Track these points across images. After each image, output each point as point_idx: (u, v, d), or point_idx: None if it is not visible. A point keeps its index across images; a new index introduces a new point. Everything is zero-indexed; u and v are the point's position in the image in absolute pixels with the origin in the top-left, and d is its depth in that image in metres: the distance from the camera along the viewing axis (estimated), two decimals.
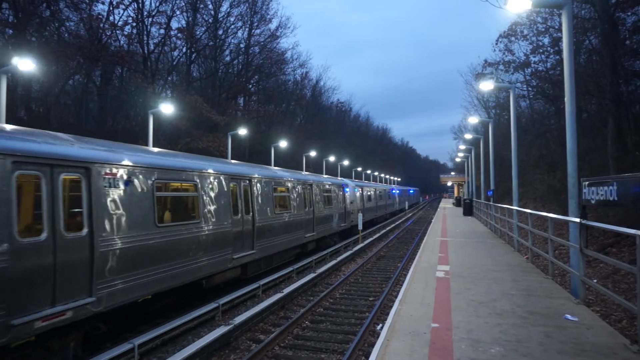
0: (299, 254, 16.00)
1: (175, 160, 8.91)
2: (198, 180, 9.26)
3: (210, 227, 9.40)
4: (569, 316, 6.18)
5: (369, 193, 30.66)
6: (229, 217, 10.24)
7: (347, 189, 22.91)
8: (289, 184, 14.72)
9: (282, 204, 14.26)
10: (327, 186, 19.30)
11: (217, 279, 9.90)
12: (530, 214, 11.39)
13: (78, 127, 22.89)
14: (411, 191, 74.71)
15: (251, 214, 11.58)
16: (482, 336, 5.46)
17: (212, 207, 9.58)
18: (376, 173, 62.35)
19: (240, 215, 10.98)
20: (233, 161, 14.42)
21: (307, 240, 16.09)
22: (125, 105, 27.25)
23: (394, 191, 48.02)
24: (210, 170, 9.89)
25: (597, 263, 11.94)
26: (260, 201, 12.18)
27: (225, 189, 10.33)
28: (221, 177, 10.21)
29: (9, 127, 6.16)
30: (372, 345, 6.92)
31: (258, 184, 12.14)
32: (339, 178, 26.43)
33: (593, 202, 6.51)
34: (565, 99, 8.27)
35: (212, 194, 9.72)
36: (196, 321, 8.31)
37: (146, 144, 15.54)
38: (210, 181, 9.76)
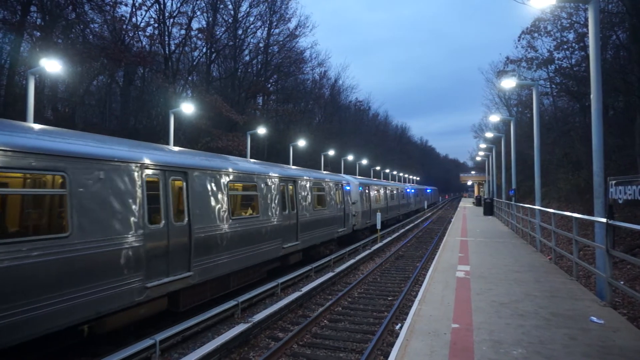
0: (274, 270, 12.46)
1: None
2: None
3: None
4: (594, 318, 6.03)
5: (377, 192, 27.44)
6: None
7: (348, 187, 19.97)
8: (257, 181, 11.20)
9: (244, 205, 11.35)
10: (319, 183, 16.09)
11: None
12: (554, 213, 11.13)
13: (102, 126, 23.43)
14: (428, 190, 69.68)
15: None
16: (504, 337, 5.36)
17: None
18: (395, 172, 61.89)
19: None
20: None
21: (287, 252, 12.67)
22: (147, 105, 27.73)
23: (408, 190, 43.12)
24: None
25: (624, 264, 11.60)
26: (203, 202, 8.90)
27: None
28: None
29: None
30: (391, 345, 6.89)
31: (199, 179, 8.85)
32: (340, 174, 22.95)
33: (620, 201, 6.32)
34: (592, 96, 8.05)
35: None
36: (216, 318, 8.40)
37: (167, 143, 15.79)
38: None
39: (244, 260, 10.12)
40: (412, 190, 46.61)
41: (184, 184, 8.40)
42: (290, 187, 13.42)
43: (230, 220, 9.65)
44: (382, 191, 28.89)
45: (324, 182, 16.74)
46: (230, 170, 10.17)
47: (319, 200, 16.23)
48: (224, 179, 9.72)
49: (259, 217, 11.03)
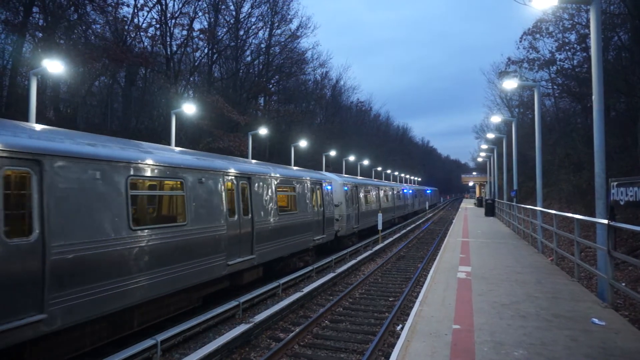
0: (214, 295, 9.65)
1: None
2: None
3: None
4: (596, 320, 6.02)
5: (367, 193, 24.47)
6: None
7: (330, 187, 17.17)
8: (183, 176, 8.32)
9: (161, 210, 8.94)
10: (288, 182, 13.28)
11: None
12: (555, 214, 11.12)
13: (103, 127, 23.47)
14: (428, 191, 66.52)
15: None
16: (505, 339, 5.36)
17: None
18: (396, 173, 61.86)
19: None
20: None
21: (237, 269, 9.86)
22: (149, 105, 27.78)
23: (405, 191, 39.92)
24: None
25: (626, 266, 11.57)
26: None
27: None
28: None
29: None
30: (392, 345, 6.88)
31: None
32: (320, 172, 19.51)
33: (622, 202, 6.32)
34: (593, 97, 8.04)
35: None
36: (217, 319, 8.41)
37: (169, 144, 15.80)
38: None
39: (160, 286, 7.32)
40: (410, 191, 43.62)
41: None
42: (243, 185, 10.58)
43: (133, 232, 6.83)
44: (373, 192, 26.09)
45: (295, 181, 13.79)
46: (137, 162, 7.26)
47: (288, 202, 13.72)
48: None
49: (185, 226, 8.12)
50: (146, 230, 7.21)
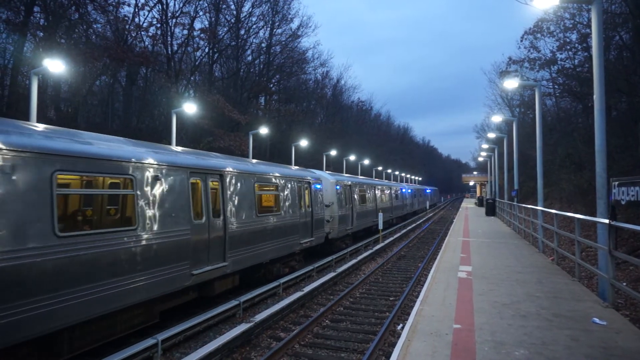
0: (180, 308, 8.74)
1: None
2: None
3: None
4: (597, 320, 6.01)
5: (363, 192, 23.16)
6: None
7: (319, 186, 16.05)
8: (134, 173, 7.12)
9: (105, 212, 8.08)
10: (269, 180, 12.07)
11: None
12: (556, 214, 11.11)
13: (104, 126, 23.50)
14: (428, 190, 64.84)
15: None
16: (506, 338, 5.36)
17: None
18: (397, 172, 61.85)
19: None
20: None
21: (205, 279, 8.70)
22: (150, 105, 27.81)
23: (404, 190, 38.44)
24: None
25: (627, 266, 11.56)
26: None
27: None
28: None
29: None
30: (393, 345, 6.89)
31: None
32: (308, 169, 18.05)
33: (623, 202, 6.31)
34: (595, 96, 8.03)
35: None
36: (217, 318, 8.41)
37: (169, 143, 15.81)
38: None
39: (100, 304, 6.16)
40: (409, 191, 42.19)
41: None
42: (214, 183, 9.48)
43: (60, 239, 5.69)
44: (369, 191, 24.85)
45: (279, 179, 12.63)
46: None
47: (270, 202, 12.47)
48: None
49: (135, 230, 6.89)
50: (79, 237, 6.00)
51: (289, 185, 13.27)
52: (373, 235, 22.52)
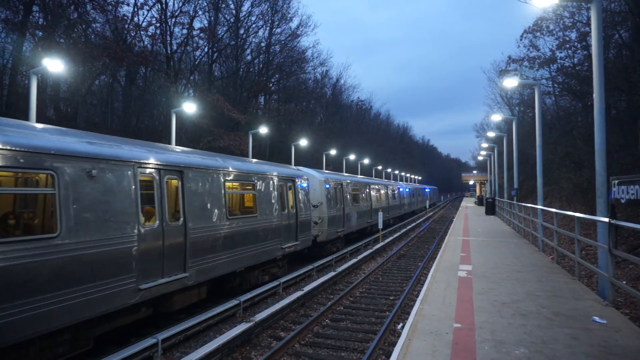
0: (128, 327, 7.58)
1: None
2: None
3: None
4: (597, 318, 6.01)
5: (356, 192, 21.82)
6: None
7: (305, 185, 14.73)
8: (58, 169, 5.87)
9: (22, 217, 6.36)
10: (245, 177, 10.78)
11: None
12: (556, 213, 11.11)
13: (103, 126, 23.47)
14: (427, 190, 63.37)
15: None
16: (506, 337, 5.36)
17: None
18: (396, 172, 61.86)
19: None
20: None
21: (158, 293, 7.37)
22: (149, 104, 27.77)
23: (402, 189, 37.15)
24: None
25: (627, 264, 11.57)
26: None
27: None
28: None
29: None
30: (393, 344, 6.89)
31: None
32: (293, 167, 16.80)
33: (623, 201, 6.31)
34: (594, 95, 8.03)
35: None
36: (217, 318, 8.41)
37: (169, 142, 15.79)
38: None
39: (10, 330, 5.07)
40: (407, 190, 40.69)
41: None
42: (172, 181, 8.31)
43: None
44: (363, 190, 23.43)
45: (256, 176, 11.23)
46: None
47: (245, 202, 11.64)
48: None
49: (56, 239, 5.67)
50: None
51: (269, 184, 11.85)
52: (368, 237, 21.66)
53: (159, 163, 7.74)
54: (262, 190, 11.47)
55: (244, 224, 10.24)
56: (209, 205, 8.99)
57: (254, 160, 13.61)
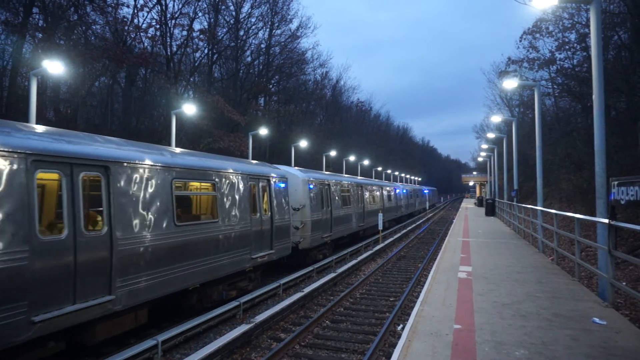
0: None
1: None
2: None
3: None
4: (597, 319, 6.02)
5: (346, 193, 20.18)
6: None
7: (283, 185, 13.04)
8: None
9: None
10: (203, 176, 9.19)
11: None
12: (556, 214, 11.11)
13: (104, 127, 23.48)
14: (426, 191, 61.53)
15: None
16: (506, 338, 5.36)
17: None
18: (396, 173, 61.88)
19: None
20: None
21: (60, 326, 5.69)
22: (149, 105, 27.79)
23: (398, 191, 35.48)
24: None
25: (626, 265, 11.57)
26: None
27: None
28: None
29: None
30: (393, 345, 6.88)
31: None
32: (269, 165, 13.93)
33: (623, 202, 6.32)
34: (594, 96, 8.04)
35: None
36: (218, 319, 8.42)
37: (169, 144, 15.81)
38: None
39: None
40: (404, 191, 39.01)
41: None
42: (91, 180, 6.61)
43: None
44: (355, 192, 21.75)
45: (215, 175, 9.44)
46: None
47: (200, 205, 10.06)
48: None
49: None
50: None
51: (236, 184, 10.14)
52: (359, 243, 20.11)
53: (70, 156, 6.04)
54: (226, 191, 9.71)
55: (199, 232, 8.55)
56: (148, 209, 7.28)
57: (218, 156, 11.76)
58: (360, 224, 21.91)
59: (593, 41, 8.17)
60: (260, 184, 11.58)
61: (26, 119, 10.82)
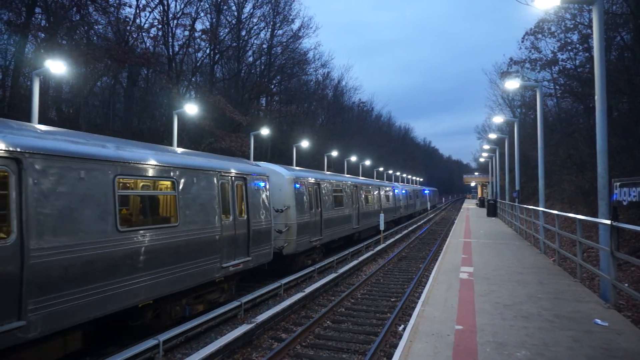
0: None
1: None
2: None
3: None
4: (598, 321, 6.00)
5: (338, 193, 18.75)
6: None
7: (263, 184, 11.70)
8: None
9: None
10: (153, 172, 7.61)
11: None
12: (558, 215, 11.09)
13: (105, 127, 23.52)
14: (426, 191, 59.33)
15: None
16: (508, 339, 5.35)
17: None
18: (398, 173, 61.86)
19: None
20: None
21: None
22: (151, 105, 27.82)
23: (397, 191, 34.15)
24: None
25: (628, 266, 11.54)
26: None
27: None
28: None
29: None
30: (394, 346, 6.88)
31: None
32: (247, 161, 12.92)
33: (625, 203, 6.30)
34: (596, 97, 8.03)
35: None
36: (219, 319, 8.43)
37: (170, 144, 15.83)
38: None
39: None
40: (403, 192, 37.35)
41: None
42: (2, 174, 5.29)
43: None
44: (348, 192, 20.21)
45: (177, 172, 8.09)
46: None
47: (159, 207, 8.28)
48: None
49: None
50: None
51: (202, 182, 8.80)
52: (353, 246, 18.95)
53: None
54: (189, 190, 8.36)
55: (152, 238, 7.20)
56: (78, 212, 6.00)
57: (181, 150, 10.19)
58: (355, 226, 20.69)
59: (595, 42, 8.16)
60: (235, 183, 10.22)
61: (29, 119, 10.84)
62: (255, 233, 10.72)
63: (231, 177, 10.08)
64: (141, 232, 7.06)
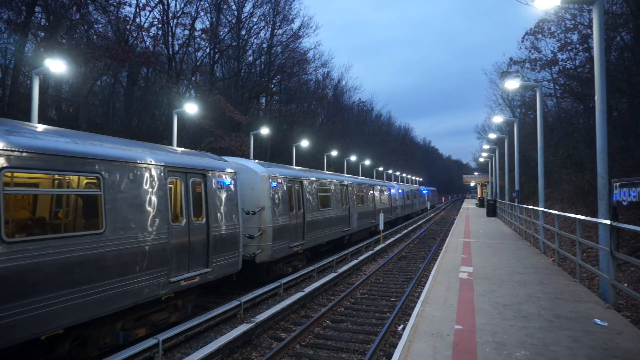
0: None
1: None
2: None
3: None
4: (598, 321, 6.01)
5: (325, 192, 16.94)
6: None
7: (229, 182, 9.88)
8: None
9: None
10: (67, 166, 5.86)
11: None
12: (557, 215, 11.09)
13: (105, 126, 23.52)
14: (425, 191, 57.18)
15: None
16: (507, 339, 5.35)
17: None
18: (397, 173, 61.85)
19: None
20: None
21: None
22: (150, 105, 27.81)
23: (394, 191, 32.76)
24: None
25: (628, 267, 11.55)
26: None
27: None
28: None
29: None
30: (394, 346, 6.89)
31: None
32: (209, 154, 10.39)
33: (625, 203, 6.31)
34: (596, 97, 8.03)
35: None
36: (218, 318, 8.42)
37: (170, 143, 15.81)
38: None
39: None
40: (400, 191, 35.65)
41: None
42: None
43: None
44: (336, 191, 18.35)
45: (104, 165, 6.42)
46: None
47: (78, 210, 6.60)
48: None
49: None
50: None
51: (141, 179, 7.13)
52: (343, 250, 17.26)
53: None
54: (120, 188, 6.67)
55: (61, 250, 5.58)
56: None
57: (113, 138, 7.77)
58: (344, 228, 18.77)
59: (595, 42, 8.17)
60: (191, 180, 8.56)
61: (28, 118, 10.84)
62: (217, 239, 8.97)
63: (185, 173, 8.37)
64: (42, 242, 5.37)
